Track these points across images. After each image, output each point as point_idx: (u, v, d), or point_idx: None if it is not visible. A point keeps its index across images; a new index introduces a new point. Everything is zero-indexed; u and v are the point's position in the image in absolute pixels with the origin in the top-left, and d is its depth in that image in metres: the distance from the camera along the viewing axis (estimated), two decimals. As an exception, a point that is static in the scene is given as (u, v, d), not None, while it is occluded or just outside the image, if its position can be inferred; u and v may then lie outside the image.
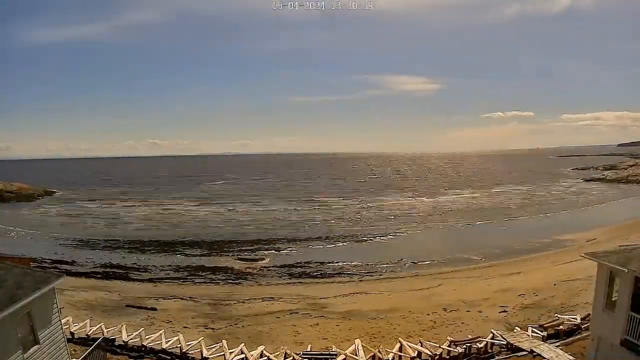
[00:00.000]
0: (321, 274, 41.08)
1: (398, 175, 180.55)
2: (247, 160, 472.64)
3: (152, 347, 19.94)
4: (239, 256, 47.87)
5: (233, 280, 39.31)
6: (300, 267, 43.32)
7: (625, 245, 17.90)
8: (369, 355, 18.17)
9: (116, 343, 20.13)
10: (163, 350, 19.66)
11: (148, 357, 19.35)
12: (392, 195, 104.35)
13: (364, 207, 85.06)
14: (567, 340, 19.16)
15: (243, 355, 18.69)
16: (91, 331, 21.32)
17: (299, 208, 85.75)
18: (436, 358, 17.99)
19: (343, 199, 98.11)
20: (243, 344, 19.98)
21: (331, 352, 19.20)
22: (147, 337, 20.65)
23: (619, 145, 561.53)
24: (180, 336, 20.45)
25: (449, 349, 18.74)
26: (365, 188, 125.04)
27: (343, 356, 17.99)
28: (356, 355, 18.01)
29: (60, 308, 14.14)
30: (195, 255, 48.84)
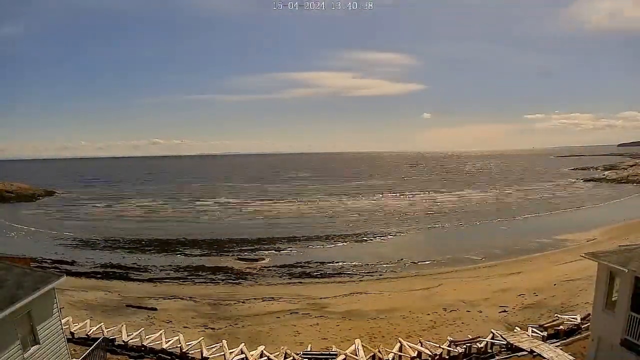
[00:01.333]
0: (321, 274, 41.05)
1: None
2: (246, 161, 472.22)
3: (152, 347, 19.96)
4: (239, 256, 47.86)
5: (233, 280, 39.30)
6: (300, 267, 43.28)
7: (625, 245, 17.89)
8: (369, 355, 18.16)
9: (116, 343, 20.14)
10: (163, 350, 19.67)
11: (148, 357, 19.36)
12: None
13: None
14: (567, 340, 19.17)
15: (243, 355, 18.68)
16: (91, 331, 21.34)
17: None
18: (436, 358, 17.99)
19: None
20: (243, 344, 19.97)
21: (331, 352, 19.20)
22: (147, 337, 20.67)
23: (619, 145, 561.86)
24: (180, 336, 20.45)
25: (449, 349, 18.73)
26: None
27: (343, 356, 17.98)
28: (356, 355, 18.00)
29: (60, 308, 14.14)
30: (195, 255, 48.82)
